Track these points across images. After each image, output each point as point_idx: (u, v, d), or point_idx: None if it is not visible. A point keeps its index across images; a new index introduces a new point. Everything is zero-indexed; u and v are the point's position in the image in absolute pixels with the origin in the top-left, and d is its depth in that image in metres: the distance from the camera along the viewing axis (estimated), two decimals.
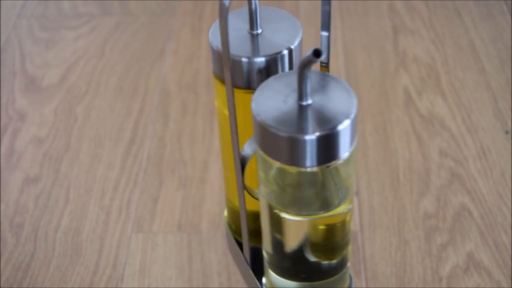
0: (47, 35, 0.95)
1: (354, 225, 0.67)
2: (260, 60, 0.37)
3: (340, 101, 0.36)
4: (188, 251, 0.65)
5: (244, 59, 0.37)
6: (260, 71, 0.38)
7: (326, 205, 0.39)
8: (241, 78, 0.38)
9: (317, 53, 0.33)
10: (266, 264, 0.45)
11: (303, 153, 0.35)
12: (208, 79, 0.86)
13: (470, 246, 0.64)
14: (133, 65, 0.89)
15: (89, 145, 0.77)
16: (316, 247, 0.41)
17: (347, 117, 0.35)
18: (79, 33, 0.95)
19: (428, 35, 0.91)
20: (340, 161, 0.36)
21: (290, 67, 0.38)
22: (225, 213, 0.50)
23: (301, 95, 0.36)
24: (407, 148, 0.75)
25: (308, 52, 0.34)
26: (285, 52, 0.37)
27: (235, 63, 0.38)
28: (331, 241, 0.41)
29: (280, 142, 0.35)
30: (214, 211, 0.69)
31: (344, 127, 0.35)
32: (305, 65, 0.34)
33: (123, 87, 0.86)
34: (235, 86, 0.38)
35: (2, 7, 1.01)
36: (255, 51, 0.38)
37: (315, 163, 0.35)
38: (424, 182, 0.71)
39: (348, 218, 0.41)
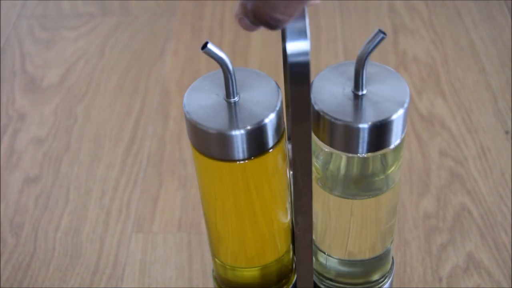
0: (47, 35, 0.95)
1: None
2: (240, 132, 0.36)
3: (393, 91, 0.37)
4: (188, 251, 0.65)
5: (223, 132, 0.37)
6: (239, 142, 0.37)
7: (374, 189, 0.40)
8: (220, 150, 0.38)
9: (383, 32, 0.34)
10: (314, 247, 0.46)
11: (357, 141, 0.36)
12: None
13: (470, 246, 0.64)
14: (133, 65, 0.89)
15: (89, 145, 0.77)
16: (364, 228, 0.43)
17: (401, 106, 0.36)
18: (79, 33, 0.95)
19: (428, 35, 0.91)
20: (391, 148, 0.38)
21: (275, 132, 0.38)
22: (213, 273, 0.49)
23: (357, 85, 0.37)
24: (407, 148, 0.74)
25: (371, 36, 0.35)
26: (266, 120, 0.37)
27: (212, 136, 0.37)
28: (378, 222, 0.43)
29: (337, 130, 0.37)
30: None
31: (397, 116, 0.36)
32: (372, 50, 0.35)
33: (123, 87, 0.86)
34: (214, 157, 0.38)
35: (2, 7, 1.01)
36: (234, 122, 0.37)
37: (367, 150, 0.37)
38: (424, 182, 0.71)
39: (394, 202, 0.43)
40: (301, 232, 0.40)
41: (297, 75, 0.33)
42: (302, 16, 0.32)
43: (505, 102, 0.80)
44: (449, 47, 0.89)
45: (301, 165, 0.37)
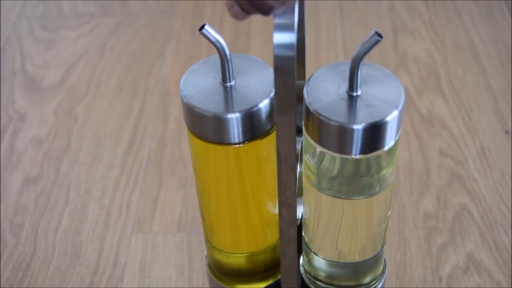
0: (47, 35, 0.95)
1: None
2: (235, 115, 0.37)
3: (388, 92, 0.37)
4: (188, 251, 0.65)
5: (218, 115, 0.37)
6: (235, 126, 0.38)
7: (367, 190, 0.40)
8: (215, 133, 0.38)
9: (379, 34, 0.34)
10: (305, 247, 0.46)
11: (350, 142, 0.36)
12: None
13: (470, 246, 0.64)
14: (133, 65, 0.89)
15: (89, 145, 0.78)
16: (355, 229, 0.43)
17: (395, 108, 0.36)
18: (79, 33, 0.95)
19: (428, 35, 0.91)
20: (385, 150, 0.38)
21: (269, 119, 0.39)
22: (206, 257, 0.49)
23: (352, 86, 0.37)
24: (407, 148, 0.74)
25: (367, 37, 0.35)
26: (261, 106, 0.38)
27: (207, 119, 0.38)
28: (370, 224, 0.43)
29: (330, 130, 0.36)
30: None
31: (392, 118, 0.36)
32: (367, 51, 0.35)
33: (123, 87, 0.86)
34: (209, 140, 0.39)
35: (2, 7, 1.01)
36: (230, 106, 0.38)
37: (360, 151, 0.37)
38: (424, 182, 0.71)
39: (387, 205, 0.43)
40: (285, 224, 0.40)
41: (281, 67, 0.33)
42: (292, 9, 0.32)
43: (505, 102, 0.80)
44: (449, 47, 0.89)
45: (285, 158, 0.37)
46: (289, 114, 0.35)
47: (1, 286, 0.63)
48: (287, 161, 0.37)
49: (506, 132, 0.76)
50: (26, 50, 0.93)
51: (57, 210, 0.70)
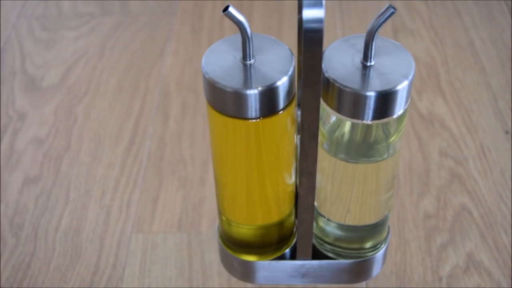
0: (47, 35, 0.95)
1: None
2: (254, 91, 0.40)
3: (400, 64, 0.41)
4: (188, 251, 0.65)
5: (238, 90, 0.40)
6: (253, 101, 0.41)
7: (376, 156, 0.44)
8: (235, 108, 0.41)
9: (393, 7, 0.38)
10: (315, 212, 0.49)
11: (363, 108, 0.39)
12: None
13: (470, 246, 0.64)
14: (133, 65, 0.89)
15: (89, 145, 0.78)
16: (365, 194, 0.46)
17: (406, 78, 0.39)
18: (79, 33, 0.95)
19: (428, 35, 0.91)
20: (395, 117, 0.41)
21: (286, 95, 0.41)
22: (218, 230, 0.52)
23: (366, 56, 0.40)
24: (407, 148, 0.75)
25: (382, 10, 0.38)
26: (279, 83, 0.40)
27: (228, 95, 0.40)
28: (378, 189, 0.46)
29: (345, 97, 0.39)
30: (214, 211, 0.69)
31: (402, 87, 0.39)
32: (381, 23, 0.38)
33: (123, 87, 0.86)
34: (228, 115, 0.42)
35: (2, 7, 1.01)
36: (249, 82, 0.41)
37: (372, 117, 0.40)
38: (424, 182, 0.71)
39: (393, 171, 0.46)
40: (304, 192, 0.44)
41: (310, 41, 0.36)
42: None
43: (505, 102, 0.80)
44: (449, 47, 0.89)
45: (308, 127, 0.40)
46: (315, 85, 0.38)
47: (1, 286, 0.63)
48: (311, 130, 0.40)
49: (506, 132, 0.76)
50: (26, 50, 0.93)
51: (57, 210, 0.70)
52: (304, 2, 0.36)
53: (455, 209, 0.68)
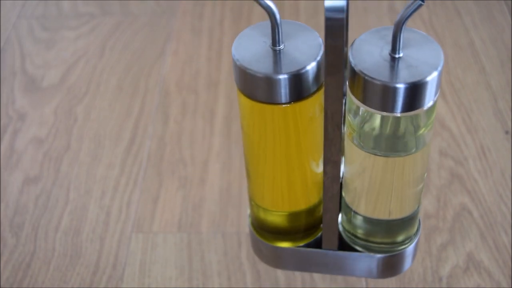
0: (47, 35, 0.95)
1: None
2: (284, 77, 0.40)
3: (428, 55, 0.40)
4: (188, 251, 0.65)
5: (268, 76, 0.40)
6: (283, 86, 0.41)
7: (405, 149, 0.43)
8: (265, 93, 0.41)
9: None
10: (345, 205, 0.49)
11: (392, 100, 0.39)
12: (208, 79, 0.86)
13: (470, 246, 0.64)
14: (133, 65, 0.89)
15: (89, 145, 0.78)
16: (394, 188, 0.46)
17: (435, 69, 0.39)
18: (79, 33, 0.95)
19: (428, 35, 0.91)
20: (424, 109, 0.40)
21: (315, 80, 0.41)
22: (249, 215, 0.52)
23: (394, 48, 0.40)
24: None
25: (410, 2, 0.37)
26: (308, 68, 0.41)
27: (260, 80, 0.41)
28: (407, 183, 0.46)
29: (374, 89, 0.39)
30: (214, 211, 0.69)
31: (431, 78, 0.39)
32: (409, 15, 0.38)
33: (123, 87, 0.86)
34: (258, 100, 0.42)
35: (2, 7, 1.02)
36: (279, 68, 0.41)
37: (401, 109, 0.40)
38: (424, 182, 0.71)
39: (424, 165, 0.46)
40: (329, 181, 0.44)
41: (332, 29, 0.36)
42: None
43: (505, 102, 0.80)
44: (449, 47, 0.89)
45: (332, 116, 0.40)
46: (338, 74, 0.38)
47: (1, 286, 0.63)
48: (334, 119, 0.40)
49: (506, 132, 0.76)
50: (26, 50, 0.93)
51: (57, 210, 0.70)
52: None
53: (455, 209, 0.68)
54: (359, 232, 0.49)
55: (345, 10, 0.36)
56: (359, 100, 0.40)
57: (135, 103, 0.83)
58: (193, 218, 0.68)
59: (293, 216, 0.50)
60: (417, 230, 0.50)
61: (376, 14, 0.95)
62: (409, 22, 1.00)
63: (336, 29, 0.36)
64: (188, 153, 0.76)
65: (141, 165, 0.75)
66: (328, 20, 0.36)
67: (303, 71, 0.40)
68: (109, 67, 0.89)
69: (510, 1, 0.96)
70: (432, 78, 0.39)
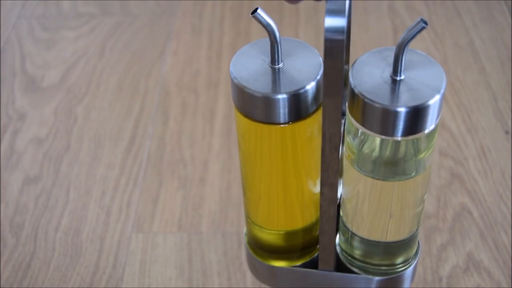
0: (47, 35, 0.95)
1: None
2: (283, 96, 0.39)
3: (431, 77, 0.39)
4: (188, 251, 0.65)
5: (266, 95, 0.39)
6: (281, 106, 0.40)
7: (405, 173, 0.42)
8: (263, 113, 0.40)
9: (425, 21, 0.36)
10: (343, 226, 0.48)
11: (393, 124, 0.38)
12: (208, 79, 0.86)
13: (470, 246, 0.64)
14: (133, 65, 0.89)
15: (89, 145, 0.78)
16: (392, 210, 0.45)
17: (437, 92, 0.38)
18: (79, 33, 0.95)
19: (428, 35, 0.91)
20: (426, 133, 0.39)
21: (314, 100, 0.41)
22: (245, 233, 0.52)
23: (395, 70, 0.39)
24: None
25: (413, 24, 0.36)
26: (308, 87, 0.39)
27: (258, 99, 0.40)
28: (406, 206, 0.45)
29: (373, 112, 0.38)
30: (214, 211, 0.69)
31: (433, 101, 0.38)
32: (412, 37, 0.37)
33: (123, 87, 0.86)
34: (256, 119, 0.41)
35: (2, 7, 1.02)
36: (278, 87, 0.40)
37: (402, 133, 0.38)
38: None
39: (423, 188, 0.44)
40: (326, 203, 0.43)
41: (331, 50, 0.35)
42: None
43: (505, 102, 0.80)
44: (449, 47, 0.89)
45: (330, 138, 0.39)
46: (336, 96, 0.37)
47: (1, 286, 0.63)
48: (332, 141, 0.39)
49: (506, 132, 0.76)
50: (26, 50, 0.93)
51: (57, 210, 0.70)
52: (327, 8, 0.34)
53: (455, 209, 0.68)
54: (357, 253, 0.48)
55: (345, 31, 0.34)
56: (358, 122, 0.39)
57: (135, 103, 0.83)
58: (193, 218, 0.68)
59: (290, 235, 0.49)
60: (416, 251, 0.49)
61: (376, 14, 0.95)
62: (409, 22, 1.00)
63: (335, 50, 0.35)
64: (188, 153, 0.76)
65: (141, 165, 0.75)
66: (327, 41, 0.35)
67: (302, 90, 0.39)
68: (109, 67, 0.89)
69: (510, 1, 0.96)
70: (434, 102, 0.38)
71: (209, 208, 0.69)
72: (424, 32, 0.91)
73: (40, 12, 1.00)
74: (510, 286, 0.61)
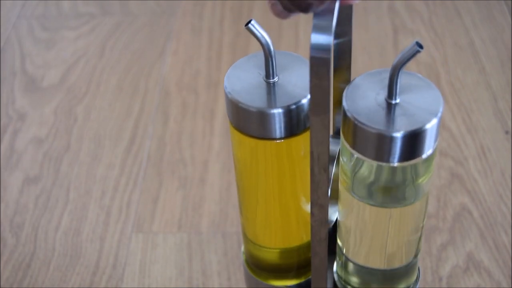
0: (47, 35, 0.95)
1: None
2: (278, 111, 0.38)
3: (427, 100, 0.37)
4: (188, 251, 0.65)
5: (261, 110, 0.38)
6: (277, 121, 0.39)
7: (402, 199, 0.40)
8: (258, 128, 0.39)
9: (420, 45, 0.34)
10: (339, 250, 0.46)
11: (388, 149, 0.36)
12: (208, 79, 0.86)
13: (470, 246, 0.64)
14: (133, 65, 0.89)
15: (89, 145, 0.78)
16: (389, 237, 0.43)
17: (434, 116, 0.36)
18: (79, 33, 0.95)
19: (428, 35, 0.91)
20: (423, 158, 0.37)
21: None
22: (243, 251, 0.51)
23: (390, 94, 0.37)
24: None
25: (408, 47, 0.35)
26: (303, 101, 0.38)
27: (252, 114, 0.39)
28: (403, 233, 0.43)
29: (367, 137, 0.36)
30: (214, 211, 0.69)
31: (431, 125, 0.36)
32: (406, 60, 0.35)
33: (123, 87, 0.86)
34: (250, 135, 0.40)
35: (2, 7, 1.01)
36: (273, 101, 0.39)
37: (398, 159, 0.37)
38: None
39: (422, 214, 0.42)
40: (316, 224, 0.41)
41: (317, 69, 0.33)
42: (332, 11, 0.32)
43: (505, 102, 0.80)
44: (449, 47, 0.89)
45: (318, 157, 0.37)
46: (323, 115, 0.35)
47: (1, 286, 0.63)
48: (320, 161, 0.37)
49: (506, 132, 0.76)
50: (26, 50, 0.93)
51: (57, 210, 0.70)
52: (314, 23, 0.32)
53: (455, 209, 0.68)
54: (353, 281, 0.46)
55: (331, 49, 0.32)
56: (350, 146, 0.38)
57: (135, 103, 0.83)
58: (193, 218, 0.68)
59: (285, 253, 0.48)
60: (417, 278, 0.47)
61: (376, 14, 0.95)
62: (409, 22, 1.00)
63: (321, 68, 0.33)
64: (188, 153, 0.76)
65: (141, 165, 0.75)
66: (313, 59, 0.33)
67: (297, 105, 0.38)
68: (109, 67, 0.89)
69: (510, 1, 0.96)
70: (431, 126, 0.36)
71: (209, 208, 0.69)
72: (424, 32, 0.91)
73: (40, 12, 1.00)
74: (510, 286, 0.61)
